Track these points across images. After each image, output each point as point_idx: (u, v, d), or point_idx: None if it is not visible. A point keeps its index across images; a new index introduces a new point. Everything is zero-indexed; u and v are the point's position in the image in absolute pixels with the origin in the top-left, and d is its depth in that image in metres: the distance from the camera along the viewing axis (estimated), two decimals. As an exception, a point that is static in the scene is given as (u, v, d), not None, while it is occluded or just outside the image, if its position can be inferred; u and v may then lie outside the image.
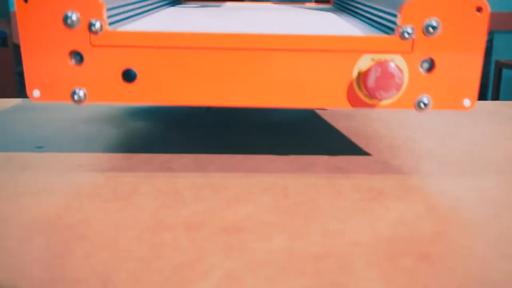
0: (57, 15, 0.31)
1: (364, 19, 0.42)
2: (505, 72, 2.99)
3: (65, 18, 0.31)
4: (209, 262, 0.22)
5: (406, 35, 0.30)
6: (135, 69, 0.31)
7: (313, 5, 0.64)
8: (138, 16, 0.40)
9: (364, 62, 0.31)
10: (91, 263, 0.22)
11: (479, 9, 0.30)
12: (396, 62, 0.31)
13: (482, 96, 3.97)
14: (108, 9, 0.32)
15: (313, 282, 0.20)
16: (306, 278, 0.21)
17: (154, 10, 0.47)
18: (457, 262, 0.22)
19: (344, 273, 0.21)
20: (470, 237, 0.25)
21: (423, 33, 0.30)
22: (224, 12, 0.48)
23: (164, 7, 0.53)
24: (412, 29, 0.30)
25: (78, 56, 0.31)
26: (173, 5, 0.58)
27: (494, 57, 4.01)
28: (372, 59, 0.31)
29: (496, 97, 2.93)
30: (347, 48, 0.31)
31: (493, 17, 5.02)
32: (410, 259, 0.23)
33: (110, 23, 0.32)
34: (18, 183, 0.33)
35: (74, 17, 0.30)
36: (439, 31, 0.30)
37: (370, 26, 0.38)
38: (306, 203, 0.30)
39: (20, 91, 1.94)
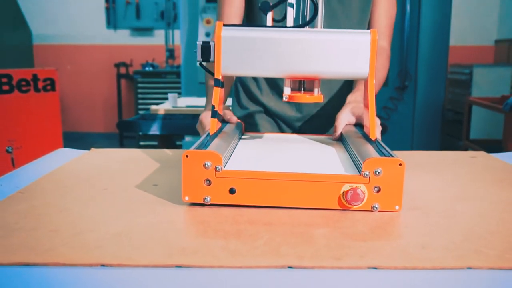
0: (201, 163, 0.64)
1: (350, 153, 0.76)
2: (475, 108, 3.31)
3: (205, 164, 0.64)
4: (260, 234, 0.57)
5: (365, 175, 0.63)
6: (235, 187, 0.64)
7: (327, 137, 0.98)
8: (232, 150, 0.76)
9: (345, 187, 0.64)
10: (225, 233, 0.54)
11: (400, 164, 0.63)
12: (361, 188, 0.64)
13: (458, 123, 4.31)
14: (224, 160, 0.64)
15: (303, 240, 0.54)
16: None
17: (237, 144, 0.84)
18: None
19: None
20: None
21: (374, 174, 0.63)
22: (271, 149, 0.83)
23: (239, 139, 0.89)
24: (369, 172, 0.63)
25: (208, 181, 0.64)
26: (241, 136, 0.93)
27: (474, 89, 4.37)
28: (349, 186, 0.64)
29: (467, 134, 3.27)
30: (339, 181, 0.64)
31: (472, 50, 5.41)
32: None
33: (224, 165, 0.65)
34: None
35: (209, 164, 0.64)
36: (382, 173, 0.63)
37: (351, 162, 0.72)
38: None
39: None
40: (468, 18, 5.06)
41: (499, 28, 5.14)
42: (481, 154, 1.03)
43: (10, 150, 2.02)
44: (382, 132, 1.94)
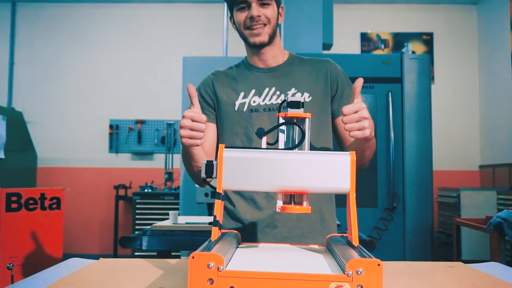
0: (205, 264, 0.74)
1: (336, 258, 0.86)
2: (465, 230, 3.40)
3: (208, 265, 0.73)
4: None
5: (349, 275, 0.73)
6: (235, 286, 0.73)
7: (316, 246, 1.08)
8: (232, 255, 0.85)
9: (332, 285, 0.73)
10: None
11: (378, 264, 0.73)
12: (346, 286, 0.73)
13: (450, 245, 4.37)
14: (225, 261, 0.74)
15: None
16: None
17: (235, 251, 0.94)
18: None
19: None
20: None
21: (356, 274, 0.73)
22: (266, 255, 0.93)
23: (237, 247, 0.99)
24: (352, 272, 0.73)
25: (211, 281, 0.74)
26: (238, 244, 1.04)
27: (463, 212, 4.51)
28: (335, 284, 0.73)
29: (458, 254, 3.32)
30: (326, 279, 0.73)
31: (459, 175, 5.68)
32: None
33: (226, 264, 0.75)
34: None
35: (212, 264, 0.73)
36: (363, 273, 0.73)
37: (337, 265, 0.81)
38: None
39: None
40: (454, 146, 5.42)
41: (481, 155, 5.45)
42: (458, 264, 1.13)
43: (11, 267, 2.07)
44: (370, 249, 2.01)
